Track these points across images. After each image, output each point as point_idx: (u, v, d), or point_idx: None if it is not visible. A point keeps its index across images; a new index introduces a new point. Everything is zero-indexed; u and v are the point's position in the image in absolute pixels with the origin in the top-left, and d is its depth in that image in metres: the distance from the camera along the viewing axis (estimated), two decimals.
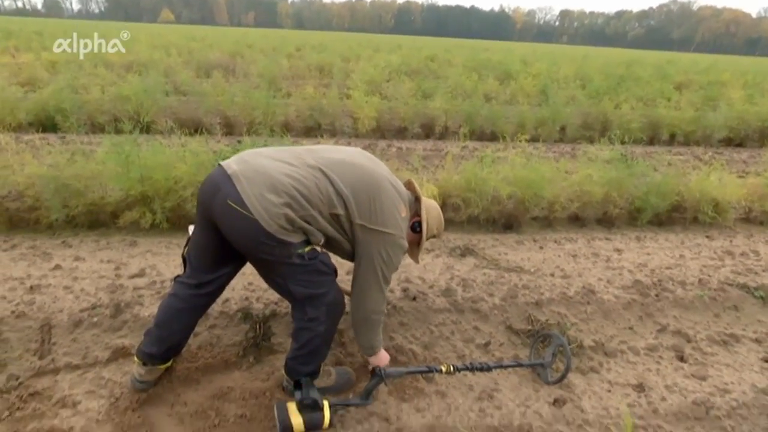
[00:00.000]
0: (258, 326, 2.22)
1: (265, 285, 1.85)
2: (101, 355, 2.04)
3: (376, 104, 6.67)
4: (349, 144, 6.03)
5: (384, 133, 6.86)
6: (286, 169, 1.60)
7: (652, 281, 2.99)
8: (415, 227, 1.96)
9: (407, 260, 2.13)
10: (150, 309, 2.33)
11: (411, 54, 17.02)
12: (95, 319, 2.23)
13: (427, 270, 2.96)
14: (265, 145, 2.93)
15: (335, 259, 1.90)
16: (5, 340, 2.06)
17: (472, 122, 6.82)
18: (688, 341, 2.47)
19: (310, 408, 1.69)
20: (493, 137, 6.83)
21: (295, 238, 1.59)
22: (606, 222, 3.98)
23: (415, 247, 2.04)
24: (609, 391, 2.08)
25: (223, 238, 1.63)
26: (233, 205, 1.52)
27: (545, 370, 2.11)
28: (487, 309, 2.57)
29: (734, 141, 7.66)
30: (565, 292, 2.79)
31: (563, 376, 2.06)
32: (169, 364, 1.91)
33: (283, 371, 1.86)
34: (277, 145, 2.72)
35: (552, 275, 3.00)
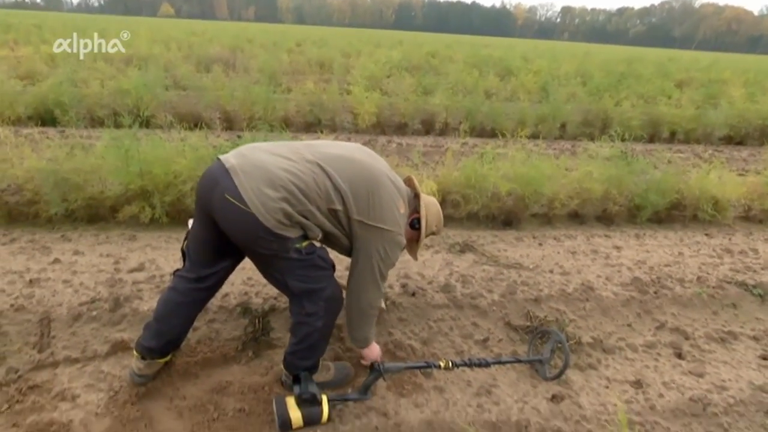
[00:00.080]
0: (257, 321, 2.22)
1: (264, 280, 1.85)
2: (100, 348, 2.04)
3: (377, 100, 6.65)
4: (349, 139, 6.02)
5: (384, 128, 6.85)
6: (284, 163, 1.60)
7: (651, 278, 3.00)
8: (414, 224, 1.96)
9: (407, 256, 2.13)
10: (149, 303, 2.33)
11: (412, 50, 16.97)
12: (94, 313, 2.23)
13: (427, 266, 2.96)
14: (265, 140, 2.93)
15: (333, 254, 1.90)
16: (4, 333, 2.07)
17: (473, 119, 6.81)
18: (686, 338, 2.48)
19: (308, 402, 1.69)
20: (493, 134, 6.81)
21: (293, 233, 1.59)
22: (605, 219, 3.98)
23: (414, 243, 2.04)
24: (607, 387, 2.09)
25: (221, 232, 1.63)
26: (231, 199, 1.52)
27: (543, 367, 2.11)
28: (486, 305, 2.58)
29: (735, 139, 7.65)
30: (564, 288, 2.80)
31: (561, 373, 2.06)
32: (168, 358, 1.91)
33: (281, 366, 1.86)
34: (277, 140, 2.72)
35: (551, 272, 3.01)
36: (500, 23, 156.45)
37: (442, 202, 3.53)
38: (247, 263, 1.87)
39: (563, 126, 7.19)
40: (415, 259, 2.14)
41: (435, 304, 2.55)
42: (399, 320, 2.41)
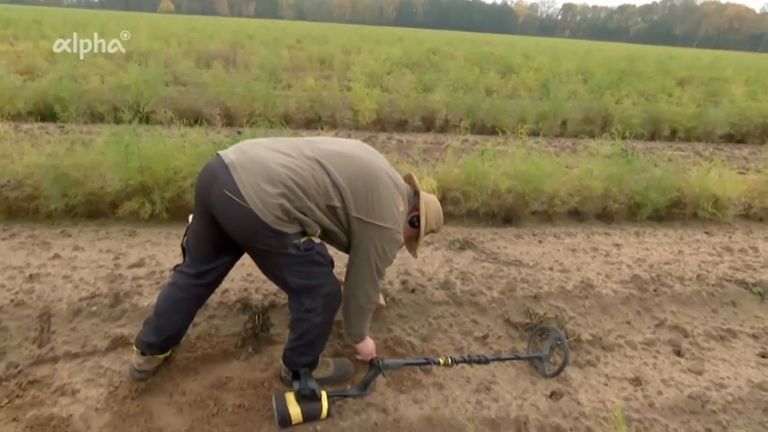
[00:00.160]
0: (257, 317, 2.23)
1: (264, 276, 1.85)
2: (100, 344, 2.05)
3: (377, 97, 6.64)
4: (349, 136, 6.01)
5: (384, 125, 6.84)
6: (283, 159, 1.60)
7: (651, 276, 3.00)
8: (414, 222, 1.96)
9: (406, 252, 2.13)
10: (149, 299, 2.33)
11: (412, 46, 16.92)
12: (94, 309, 2.23)
13: (426, 263, 2.96)
14: (265, 137, 2.92)
15: (333, 251, 1.90)
16: (5, 328, 2.07)
17: (473, 116, 6.79)
18: (686, 336, 2.48)
19: (308, 398, 1.70)
20: (493, 131, 6.80)
21: (291, 229, 1.59)
22: (605, 217, 3.98)
23: (413, 241, 2.03)
24: (606, 384, 2.10)
25: (220, 228, 1.63)
26: (229, 194, 1.52)
27: (543, 364, 2.12)
28: (486, 302, 2.58)
29: (735, 137, 7.64)
30: (564, 286, 2.80)
31: (560, 370, 2.07)
32: (167, 353, 1.92)
33: (281, 362, 1.87)
34: (277, 136, 2.72)
35: (551, 269, 3.01)
36: (501, 20, 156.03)
37: (442, 199, 3.53)
38: (246, 259, 1.87)
39: (564, 123, 7.18)
40: (415, 256, 2.14)
41: (435, 300, 2.56)
42: (399, 317, 2.42)
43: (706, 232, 3.88)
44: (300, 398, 1.70)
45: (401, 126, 6.92)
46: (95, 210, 3.24)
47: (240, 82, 6.72)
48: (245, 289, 2.48)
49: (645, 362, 2.26)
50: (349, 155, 1.73)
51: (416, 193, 1.99)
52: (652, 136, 7.34)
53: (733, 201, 4.12)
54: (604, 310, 2.64)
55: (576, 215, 3.98)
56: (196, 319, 2.10)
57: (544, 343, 2.20)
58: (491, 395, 1.97)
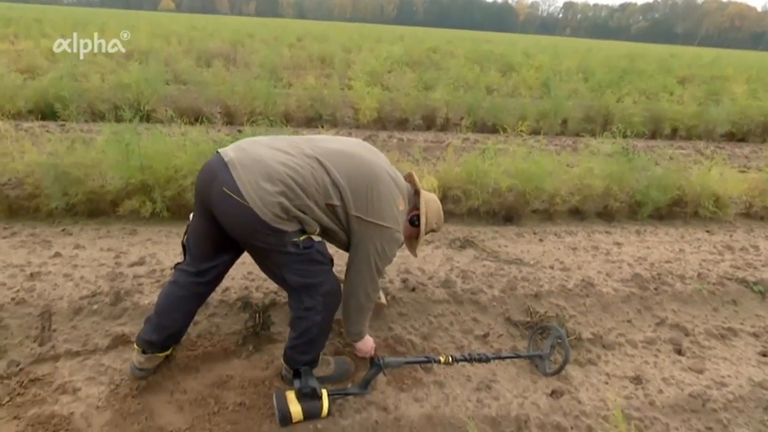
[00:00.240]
0: (257, 315, 2.23)
1: (264, 275, 1.85)
2: (101, 342, 2.05)
3: (378, 95, 6.63)
4: (349, 135, 6.01)
5: (385, 124, 6.84)
6: (283, 157, 1.60)
7: (652, 275, 3.00)
8: (414, 221, 1.96)
9: (407, 250, 2.13)
10: (150, 297, 2.33)
11: (413, 45, 16.88)
12: (95, 307, 2.24)
13: (427, 261, 2.96)
14: (266, 135, 2.92)
15: (333, 249, 1.90)
16: (6, 326, 2.07)
17: (474, 114, 6.79)
18: (686, 335, 2.48)
19: (308, 397, 1.70)
20: (494, 129, 6.80)
21: (290, 227, 1.59)
22: (606, 215, 3.98)
23: (413, 240, 2.03)
24: (606, 383, 2.10)
25: (220, 226, 1.63)
26: (229, 192, 1.52)
27: (543, 362, 2.12)
28: (487, 301, 2.58)
29: (736, 136, 7.63)
30: (565, 284, 2.80)
31: (561, 368, 2.07)
32: (168, 352, 1.92)
33: (282, 360, 1.87)
34: (278, 135, 2.71)
35: (551, 268, 3.01)
36: (502, 19, 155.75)
37: (443, 198, 3.53)
38: (247, 258, 1.87)
39: (565, 122, 7.18)
40: (415, 255, 2.14)
41: (435, 299, 2.56)
42: (399, 315, 2.42)
43: (707, 231, 3.88)
44: (301, 396, 1.70)
45: (402, 124, 6.92)
46: (96, 208, 3.24)
47: (240, 80, 6.71)
48: (246, 288, 2.48)
49: (646, 361, 2.26)
50: (349, 154, 1.72)
51: (416, 192, 1.99)
52: (653, 135, 7.33)
53: (734, 199, 4.11)
54: (605, 309, 2.64)
55: (577, 214, 3.97)
56: (196, 318, 2.10)
57: (545, 341, 2.20)
58: (492, 393, 1.98)
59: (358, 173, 1.69)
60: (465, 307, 2.53)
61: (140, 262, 2.68)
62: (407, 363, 1.94)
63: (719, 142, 7.45)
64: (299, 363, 1.78)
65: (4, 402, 1.72)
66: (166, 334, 1.82)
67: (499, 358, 2.10)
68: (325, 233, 1.76)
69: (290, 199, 1.56)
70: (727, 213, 4.04)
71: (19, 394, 1.76)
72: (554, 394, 2.00)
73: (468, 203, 3.56)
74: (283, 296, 2.42)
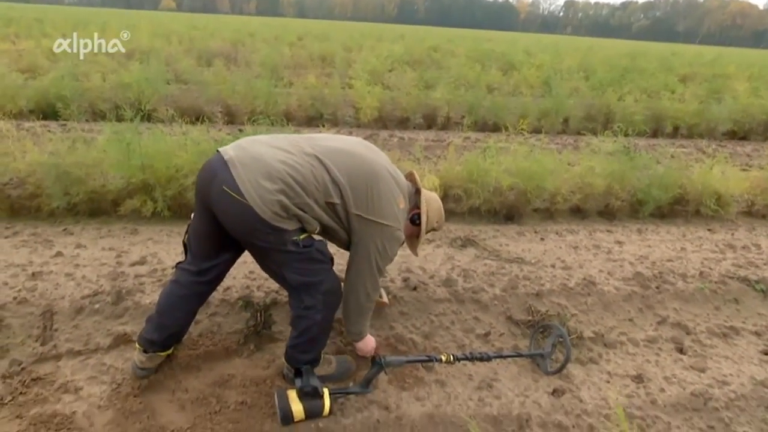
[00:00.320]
0: (259, 314, 2.23)
1: (265, 274, 1.85)
2: (103, 341, 2.05)
3: (378, 94, 6.63)
4: (350, 134, 6.01)
5: (386, 123, 6.83)
6: (282, 156, 1.60)
7: (653, 273, 2.99)
8: (415, 219, 1.95)
9: (409, 250, 2.13)
10: (151, 296, 2.34)
11: (414, 44, 16.87)
12: (97, 306, 2.24)
13: (428, 260, 2.96)
14: (267, 134, 2.92)
15: (334, 248, 1.90)
16: (8, 326, 2.07)
17: (475, 113, 6.79)
18: (688, 333, 2.48)
19: (310, 396, 1.70)
20: (495, 128, 6.80)
21: (290, 226, 1.59)
22: (608, 214, 3.97)
23: (414, 239, 2.03)
24: (608, 382, 2.09)
25: (221, 225, 1.63)
26: (228, 191, 1.52)
27: (545, 361, 2.12)
28: (488, 299, 2.57)
29: (738, 134, 7.61)
30: (566, 283, 2.79)
31: (562, 367, 2.07)
32: (170, 351, 1.92)
33: (283, 359, 1.87)
34: (279, 134, 2.71)
35: (553, 266, 3.00)
36: (503, 17, 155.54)
37: (444, 197, 3.53)
38: (248, 257, 1.87)
39: (566, 121, 7.16)
40: (416, 254, 2.14)
41: (436, 298, 2.55)
42: (400, 314, 2.42)
43: (709, 230, 3.87)
44: (302, 395, 1.70)
45: (403, 123, 6.91)
46: (97, 208, 3.25)
47: (241, 79, 6.71)
48: (247, 287, 2.49)
49: (647, 359, 2.26)
50: (349, 152, 1.72)
51: (417, 191, 1.98)
52: (655, 133, 7.31)
53: (735, 198, 4.10)
54: (606, 308, 2.63)
55: (578, 212, 3.97)
56: (198, 317, 2.10)
57: (546, 340, 2.20)
58: (493, 392, 1.97)
59: (359, 171, 1.69)
60: (466, 306, 2.53)
61: (141, 262, 2.69)
62: (409, 362, 1.94)
63: (721, 140, 7.43)
64: (300, 362, 1.78)
65: (6, 401, 1.72)
66: (167, 333, 1.82)
67: (501, 357, 2.10)
68: (326, 232, 1.76)
69: (290, 198, 1.56)
70: (729, 211, 4.03)
71: (21, 394, 1.76)
72: (556, 392, 2.00)
73: (469, 202, 3.56)
74: (284, 295, 2.42)
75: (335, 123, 6.65)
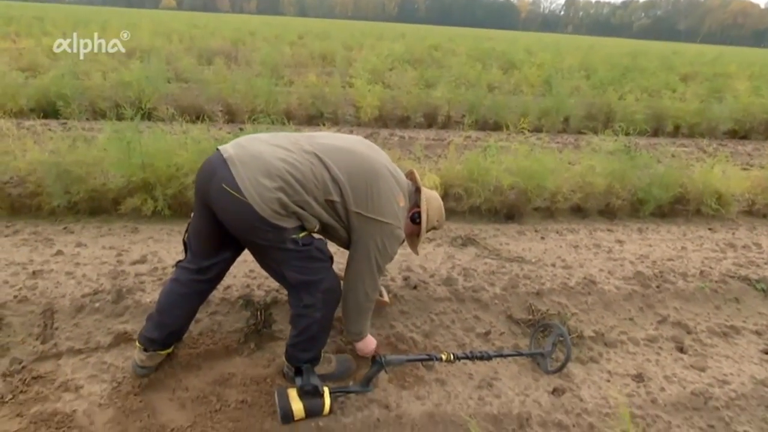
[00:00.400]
0: (259, 313, 2.23)
1: (266, 272, 1.85)
2: (103, 340, 2.05)
3: (379, 93, 6.62)
4: (351, 132, 6.00)
5: (386, 122, 6.83)
6: (282, 153, 1.60)
7: (654, 273, 2.99)
8: (415, 218, 1.95)
9: (409, 248, 2.12)
10: (152, 295, 2.34)
11: (414, 43, 16.85)
12: (97, 305, 2.24)
13: (429, 259, 2.96)
14: (267, 133, 2.92)
15: (334, 247, 1.89)
16: (8, 324, 2.08)
17: (476, 112, 6.78)
18: (689, 332, 2.48)
19: (310, 394, 1.70)
20: (496, 127, 6.79)
21: (289, 224, 1.59)
22: (608, 213, 3.97)
23: (414, 238, 2.02)
24: (608, 381, 2.09)
25: (220, 223, 1.63)
26: (227, 189, 1.52)
27: (545, 360, 2.11)
28: (488, 298, 2.57)
29: (739, 133, 7.60)
30: (566, 282, 2.79)
31: (563, 366, 2.06)
32: (170, 350, 1.92)
33: (283, 358, 1.87)
34: (279, 132, 2.71)
35: (553, 266, 3.00)
36: (503, 16, 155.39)
37: (445, 196, 3.52)
38: (249, 256, 1.87)
39: (566, 120, 7.15)
40: (416, 253, 2.14)
41: (437, 297, 2.55)
42: (401, 313, 2.42)
43: (710, 229, 3.87)
44: (302, 394, 1.70)
45: (403, 122, 6.91)
46: (97, 206, 3.25)
47: (242, 78, 6.71)
48: (247, 286, 2.49)
49: (648, 359, 2.26)
50: (348, 150, 1.72)
51: (417, 190, 1.98)
52: (655, 132, 7.30)
53: (736, 197, 4.10)
54: (607, 307, 2.63)
55: (578, 212, 3.97)
56: (198, 315, 2.10)
57: (547, 339, 2.19)
58: (493, 391, 1.97)
59: (358, 169, 1.69)
60: (466, 305, 2.53)
61: (142, 260, 2.69)
62: (409, 361, 1.94)
63: (722, 139, 7.42)
64: (301, 361, 1.78)
65: (6, 399, 1.72)
66: (167, 331, 1.82)
67: (501, 356, 2.09)
68: (325, 230, 1.76)
69: (289, 195, 1.55)
70: (730, 211, 4.02)
71: (21, 392, 1.76)
72: (556, 391, 2.00)
73: (469, 201, 3.56)
74: (284, 294, 2.42)
75: (336, 122, 6.64)
